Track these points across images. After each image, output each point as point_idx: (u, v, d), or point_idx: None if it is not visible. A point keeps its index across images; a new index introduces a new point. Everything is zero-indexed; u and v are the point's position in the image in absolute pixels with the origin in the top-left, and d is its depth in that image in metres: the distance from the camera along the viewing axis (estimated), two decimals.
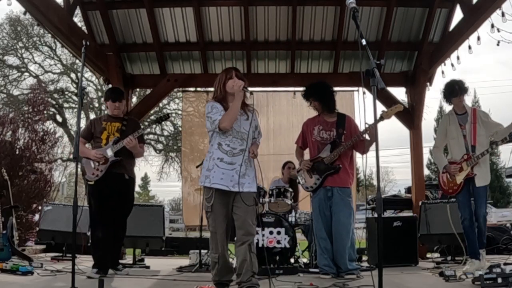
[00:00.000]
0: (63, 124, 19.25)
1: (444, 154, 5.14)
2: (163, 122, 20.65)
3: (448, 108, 5.11)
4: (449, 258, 5.93)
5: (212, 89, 3.84)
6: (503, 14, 5.57)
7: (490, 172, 4.79)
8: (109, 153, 4.55)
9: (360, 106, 7.42)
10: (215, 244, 3.49)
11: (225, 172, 3.43)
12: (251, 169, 3.55)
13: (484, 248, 4.65)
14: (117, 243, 4.77)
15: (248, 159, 3.54)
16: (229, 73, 3.63)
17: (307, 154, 5.01)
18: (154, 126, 20.59)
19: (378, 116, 4.48)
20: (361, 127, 4.71)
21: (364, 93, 5.92)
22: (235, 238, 3.48)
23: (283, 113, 7.91)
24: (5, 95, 19.07)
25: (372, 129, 4.42)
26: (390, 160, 46.73)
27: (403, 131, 7.37)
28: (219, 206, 3.46)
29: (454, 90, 4.72)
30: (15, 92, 19.25)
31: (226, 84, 3.58)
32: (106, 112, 4.99)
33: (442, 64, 6.95)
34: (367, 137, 4.60)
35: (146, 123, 19.84)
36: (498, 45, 6.16)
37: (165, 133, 21.33)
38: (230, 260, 3.69)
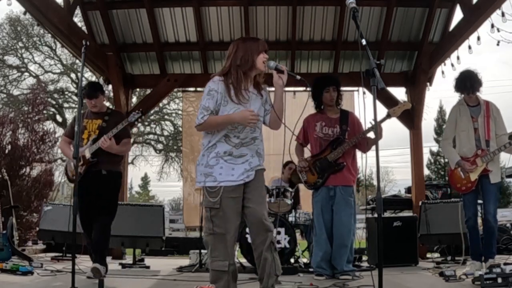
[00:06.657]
0: (63, 124, 19.22)
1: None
2: (163, 122, 20.74)
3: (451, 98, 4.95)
4: (449, 258, 5.94)
5: None
6: (503, 14, 5.58)
7: None
8: (87, 154, 4.32)
9: (360, 106, 7.43)
10: (224, 248, 2.77)
11: (235, 168, 2.86)
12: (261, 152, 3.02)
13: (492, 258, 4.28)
14: (94, 245, 4.24)
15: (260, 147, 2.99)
16: (262, 46, 2.89)
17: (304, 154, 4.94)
18: (154, 126, 20.62)
19: (385, 114, 4.52)
20: (364, 126, 4.63)
21: (364, 93, 5.90)
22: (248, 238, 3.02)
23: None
24: (5, 95, 19.07)
25: (378, 128, 4.38)
26: (390, 160, 46.78)
27: (403, 131, 7.37)
28: (229, 201, 2.82)
29: (466, 88, 4.42)
30: (15, 92, 19.27)
31: (258, 57, 2.87)
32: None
33: (442, 64, 6.95)
34: (372, 135, 4.52)
35: (146, 123, 20.11)
36: (498, 45, 6.18)
37: (165, 133, 21.35)
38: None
